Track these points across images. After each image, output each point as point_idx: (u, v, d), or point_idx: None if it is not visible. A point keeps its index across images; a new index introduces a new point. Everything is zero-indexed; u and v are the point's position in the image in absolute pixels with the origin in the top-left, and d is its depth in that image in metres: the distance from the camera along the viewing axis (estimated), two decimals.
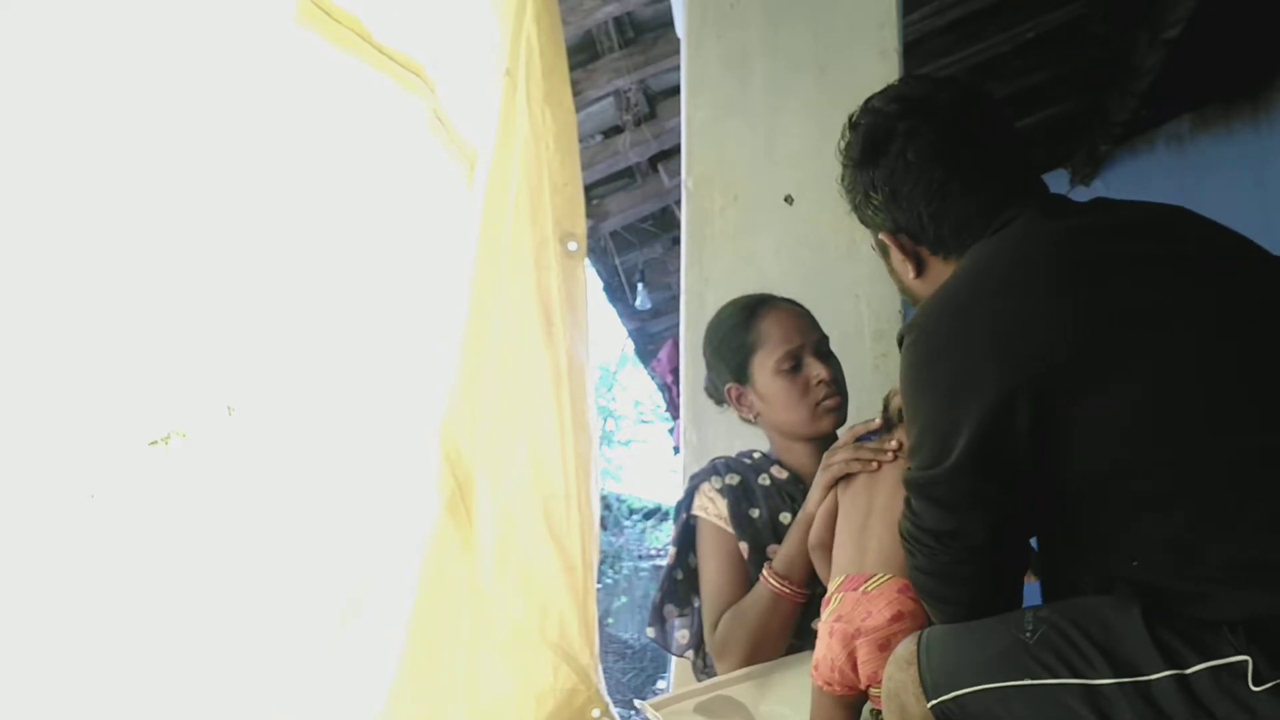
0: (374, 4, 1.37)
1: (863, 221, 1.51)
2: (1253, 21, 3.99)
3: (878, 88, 2.58)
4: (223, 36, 1.33)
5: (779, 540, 1.85)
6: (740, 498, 1.89)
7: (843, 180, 1.51)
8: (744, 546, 1.86)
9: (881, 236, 1.47)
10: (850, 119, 1.51)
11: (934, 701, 1.27)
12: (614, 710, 1.29)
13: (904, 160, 1.40)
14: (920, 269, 1.45)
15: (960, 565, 1.29)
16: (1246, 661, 1.09)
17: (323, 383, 1.42)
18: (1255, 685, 1.08)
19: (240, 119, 1.35)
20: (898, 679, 1.33)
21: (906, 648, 1.35)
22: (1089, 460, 1.22)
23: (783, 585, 1.76)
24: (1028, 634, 1.21)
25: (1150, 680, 1.13)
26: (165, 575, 1.29)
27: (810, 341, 1.90)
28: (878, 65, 2.58)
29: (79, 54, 1.25)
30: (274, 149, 1.38)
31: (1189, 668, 1.11)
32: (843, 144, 1.51)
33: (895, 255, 1.47)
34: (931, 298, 1.38)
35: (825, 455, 1.75)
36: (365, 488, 1.42)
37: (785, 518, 1.87)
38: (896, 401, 1.66)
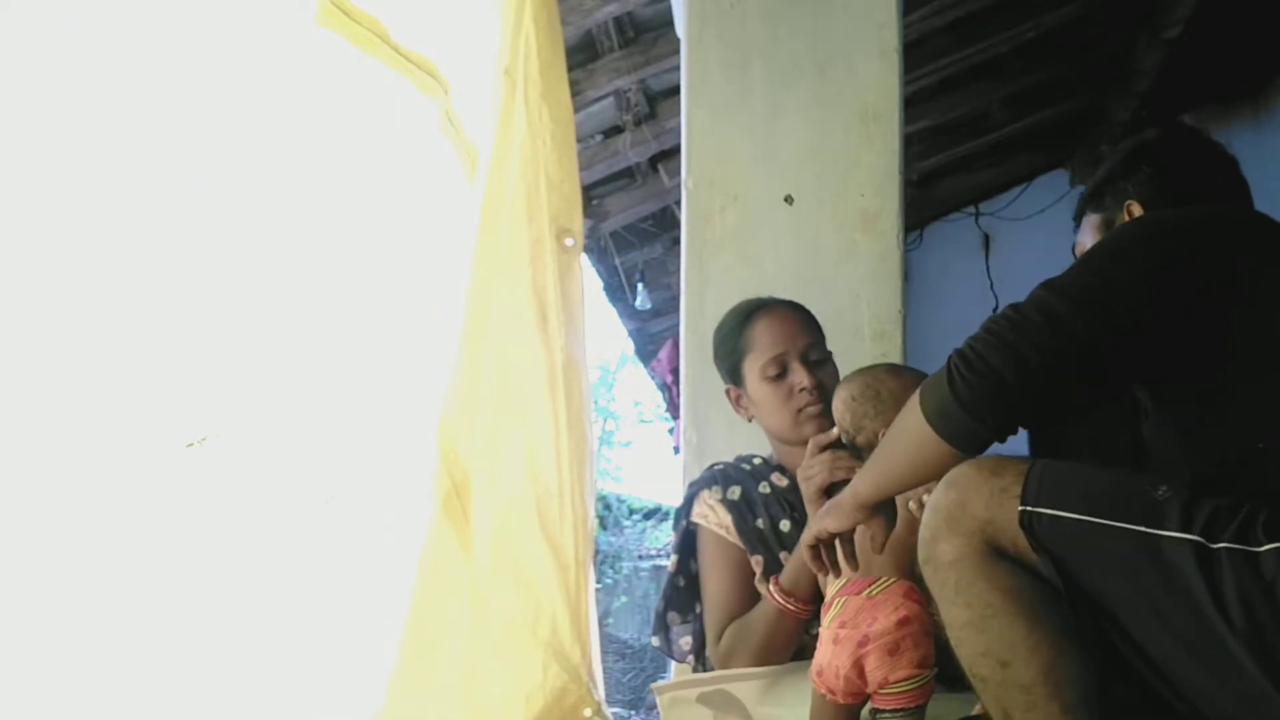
0: (392, 4, 1.37)
1: (1099, 200, 1.77)
2: (1253, 21, 3.99)
3: (878, 88, 2.62)
4: (243, 40, 1.34)
5: (785, 548, 1.84)
6: (745, 512, 1.90)
7: (1116, 158, 1.78)
8: (757, 560, 1.86)
9: (1129, 204, 1.69)
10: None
11: (1029, 508, 1.23)
12: (607, 710, 1.29)
13: (1204, 139, 1.79)
14: None
15: (1047, 346, 1.25)
16: None
17: (333, 383, 1.42)
18: None
19: (260, 127, 1.36)
20: (990, 482, 1.27)
21: (1004, 475, 1.28)
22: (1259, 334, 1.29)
23: (787, 602, 1.75)
24: (1161, 491, 1.20)
25: (1260, 552, 1.13)
26: (177, 574, 1.29)
27: (797, 348, 1.90)
28: (878, 65, 2.58)
29: (96, 55, 1.25)
30: (289, 154, 1.38)
31: None
32: (1131, 142, 1.81)
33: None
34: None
35: (800, 470, 1.74)
36: (365, 484, 1.42)
37: (785, 525, 1.87)
38: (867, 428, 1.66)
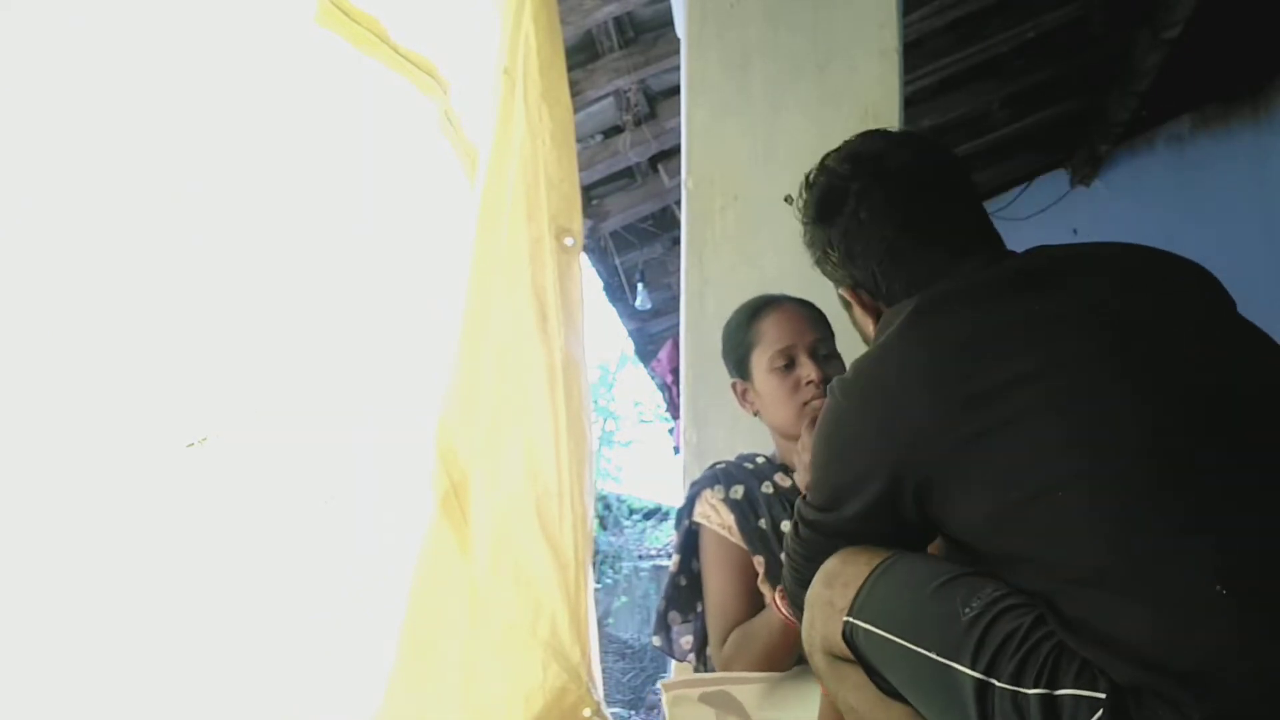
0: (391, 5, 1.38)
1: (826, 275, 1.53)
2: (1253, 21, 4.00)
3: (878, 88, 2.62)
4: (243, 40, 1.34)
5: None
6: (747, 512, 1.90)
7: (803, 237, 1.53)
8: (759, 561, 1.86)
9: (842, 291, 1.49)
10: (807, 178, 1.53)
11: (851, 619, 1.27)
12: (606, 709, 1.29)
13: (857, 220, 1.42)
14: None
15: None
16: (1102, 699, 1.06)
17: (333, 383, 1.42)
18: None
19: (261, 127, 1.36)
20: (823, 596, 1.33)
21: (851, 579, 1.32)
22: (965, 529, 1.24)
23: (791, 614, 1.75)
24: (969, 609, 1.17)
25: (1030, 695, 1.10)
26: (178, 574, 1.29)
27: (806, 342, 1.91)
28: (878, 65, 2.58)
29: (97, 55, 1.25)
30: (289, 154, 1.38)
31: (1058, 689, 1.09)
32: (800, 202, 1.52)
33: (857, 310, 1.49)
34: (857, 361, 1.38)
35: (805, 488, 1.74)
36: (365, 484, 1.42)
37: (788, 525, 1.87)
38: None
